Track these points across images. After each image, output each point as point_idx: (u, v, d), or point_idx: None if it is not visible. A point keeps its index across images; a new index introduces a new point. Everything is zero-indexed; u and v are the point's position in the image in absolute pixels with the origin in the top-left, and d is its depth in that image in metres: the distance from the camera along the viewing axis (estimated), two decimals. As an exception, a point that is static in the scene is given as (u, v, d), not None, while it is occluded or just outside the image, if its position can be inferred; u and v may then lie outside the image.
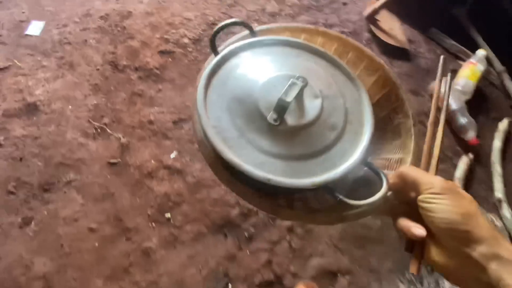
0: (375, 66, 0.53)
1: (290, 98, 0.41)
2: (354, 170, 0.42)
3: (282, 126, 0.42)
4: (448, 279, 0.32)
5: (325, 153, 0.43)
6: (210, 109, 0.44)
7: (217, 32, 0.47)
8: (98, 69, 1.47)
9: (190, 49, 1.52)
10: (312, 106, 0.44)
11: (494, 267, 0.28)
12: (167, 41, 1.55)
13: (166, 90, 1.42)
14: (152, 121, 1.33)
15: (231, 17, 1.68)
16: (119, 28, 1.58)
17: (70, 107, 1.36)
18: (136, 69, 1.45)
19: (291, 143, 0.42)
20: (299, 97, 0.43)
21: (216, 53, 0.49)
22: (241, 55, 0.49)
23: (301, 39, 0.55)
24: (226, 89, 0.45)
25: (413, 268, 0.33)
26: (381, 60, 0.54)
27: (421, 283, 1.05)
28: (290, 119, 0.43)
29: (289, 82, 0.43)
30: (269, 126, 0.42)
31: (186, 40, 1.54)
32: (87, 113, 1.33)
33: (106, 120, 1.31)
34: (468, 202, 0.32)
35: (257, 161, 0.41)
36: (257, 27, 0.53)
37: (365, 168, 0.44)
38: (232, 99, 0.45)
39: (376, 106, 0.51)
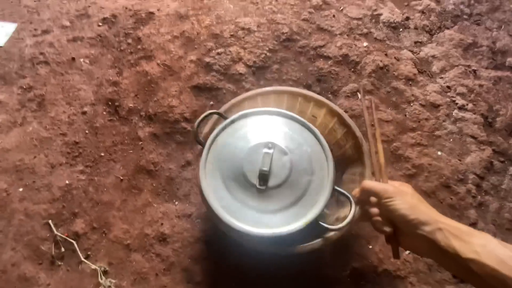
0: (320, 103, 0.68)
1: (267, 167, 0.55)
2: (329, 200, 0.56)
3: (268, 187, 0.55)
4: (418, 255, 0.57)
5: (305, 195, 0.56)
6: (214, 193, 0.56)
7: (197, 127, 0.61)
8: (84, 113, 0.87)
9: (247, 84, 0.86)
10: (284, 163, 0.57)
11: (440, 238, 0.40)
12: (208, 67, 0.92)
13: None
14: (166, 236, 0.67)
15: (320, 28, 1.02)
16: (130, 40, 0.98)
17: (20, 189, 0.78)
18: (150, 117, 0.81)
19: (279, 197, 0.55)
20: (272, 160, 0.57)
21: (201, 143, 0.61)
22: (220, 139, 0.61)
23: (259, 100, 0.70)
24: (220, 173, 0.58)
25: (394, 255, 0.49)
26: (323, 98, 0.68)
27: None
28: (272, 180, 0.56)
29: (263, 153, 0.57)
30: (259, 191, 0.55)
31: (241, 68, 0.87)
32: (49, 205, 0.70)
33: (80, 224, 0.68)
34: (410, 197, 0.46)
35: (261, 221, 0.54)
36: (237, 97, 0.69)
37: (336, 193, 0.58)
38: (227, 179, 0.57)
39: (331, 134, 0.68)
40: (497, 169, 0.80)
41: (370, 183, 0.49)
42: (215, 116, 0.68)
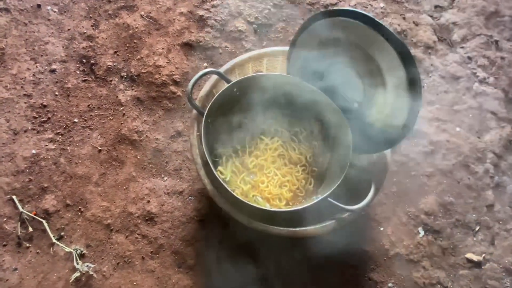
0: None
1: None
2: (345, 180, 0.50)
3: None
4: None
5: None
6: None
7: (191, 91, 0.51)
8: (53, 71, 0.76)
9: (247, 44, 0.76)
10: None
11: None
12: (201, 22, 0.80)
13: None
14: (153, 215, 0.59)
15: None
16: (108, -14, 0.87)
17: None
18: (133, 79, 0.71)
19: None
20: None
21: (197, 108, 0.53)
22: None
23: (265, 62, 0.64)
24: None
25: None
26: None
27: None
28: None
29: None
30: None
31: (240, 24, 0.76)
32: (13, 178, 0.60)
33: (50, 200, 0.59)
34: None
35: None
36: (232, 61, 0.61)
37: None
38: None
39: None
40: (516, 148, 0.77)
41: None
42: (213, 78, 0.60)
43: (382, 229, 0.62)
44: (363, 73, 0.52)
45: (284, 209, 0.50)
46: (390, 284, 0.58)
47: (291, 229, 0.47)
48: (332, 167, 0.56)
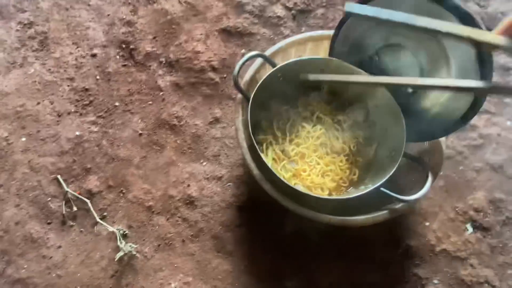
0: None
1: None
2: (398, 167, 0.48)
3: None
4: None
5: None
6: None
7: (238, 74, 0.51)
8: (94, 55, 0.77)
9: (286, 30, 0.73)
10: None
11: None
12: (239, 8, 0.76)
13: (230, 123, 0.72)
14: (194, 199, 0.59)
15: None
16: (146, -28, 0.87)
17: (23, 139, 0.68)
18: (172, 64, 0.71)
19: None
20: None
21: (242, 91, 0.53)
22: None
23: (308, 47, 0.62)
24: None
25: None
26: None
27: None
28: None
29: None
30: None
31: (279, 10, 0.74)
32: (57, 158, 0.62)
33: (94, 181, 0.60)
34: None
35: None
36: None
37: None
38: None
39: None
40: None
41: None
42: (257, 63, 0.59)
43: (428, 224, 0.60)
44: (420, 54, 0.49)
45: (336, 197, 0.48)
46: (435, 281, 0.56)
47: (342, 217, 0.46)
48: (380, 156, 0.54)
